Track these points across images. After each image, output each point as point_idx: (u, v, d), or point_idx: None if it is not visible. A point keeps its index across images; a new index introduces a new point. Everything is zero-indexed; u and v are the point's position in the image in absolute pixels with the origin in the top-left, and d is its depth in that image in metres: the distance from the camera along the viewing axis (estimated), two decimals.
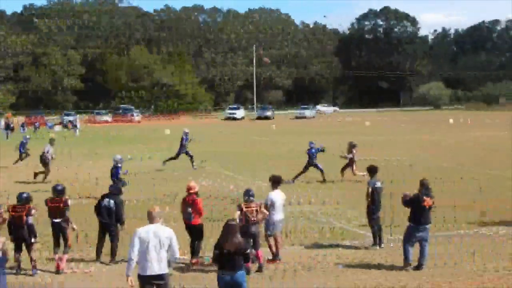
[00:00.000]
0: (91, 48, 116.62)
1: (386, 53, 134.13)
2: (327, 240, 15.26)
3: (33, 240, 12.49)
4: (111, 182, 18.33)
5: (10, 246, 12.30)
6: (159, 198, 20.54)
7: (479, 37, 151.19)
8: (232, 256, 9.27)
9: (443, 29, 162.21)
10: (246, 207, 12.61)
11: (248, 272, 11.34)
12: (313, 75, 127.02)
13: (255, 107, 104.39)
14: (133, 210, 17.31)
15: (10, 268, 12.33)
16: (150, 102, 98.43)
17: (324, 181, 23.98)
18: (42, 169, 25.37)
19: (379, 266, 12.94)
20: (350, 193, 21.43)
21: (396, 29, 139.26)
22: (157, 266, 9.00)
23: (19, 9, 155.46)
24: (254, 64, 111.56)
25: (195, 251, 13.20)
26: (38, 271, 12.60)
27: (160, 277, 9.08)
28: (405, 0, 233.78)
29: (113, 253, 13.28)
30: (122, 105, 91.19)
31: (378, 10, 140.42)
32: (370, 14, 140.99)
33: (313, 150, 24.41)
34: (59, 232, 12.93)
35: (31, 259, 12.54)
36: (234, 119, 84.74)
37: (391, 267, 12.86)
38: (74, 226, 13.28)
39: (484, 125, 64.76)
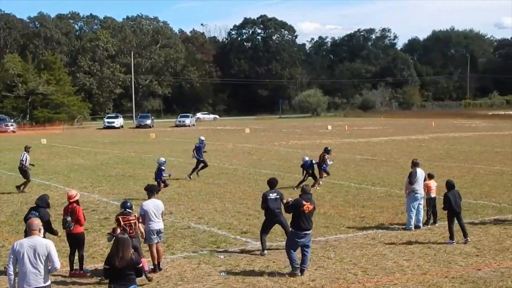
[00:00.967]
0: None
1: (265, 61, 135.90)
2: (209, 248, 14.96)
3: None
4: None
5: None
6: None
7: (355, 45, 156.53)
8: (123, 271, 8.76)
9: (320, 37, 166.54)
10: (124, 221, 12.24)
11: (149, 279, 12.02)
12: (192, 83, 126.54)
13: (133, 115, 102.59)
14: None
15: None
16: (26, 111, 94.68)
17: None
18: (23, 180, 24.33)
19: (267, 273, 12.78)
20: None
21: (274, 37, 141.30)
22: (34, 279, 8.76)
23: None
24: (132, 72, 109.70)
25: (79, 261, 12.91)
26: None
27: None
28: (280, 8, 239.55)
29: None
30: None
31: (256, 18, 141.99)
32: (248, 23, 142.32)
33: (308, 163, 24.43)
34: None
35: None
36: (113, 128, 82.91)
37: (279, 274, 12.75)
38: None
39: (361, 132, 66.68)
